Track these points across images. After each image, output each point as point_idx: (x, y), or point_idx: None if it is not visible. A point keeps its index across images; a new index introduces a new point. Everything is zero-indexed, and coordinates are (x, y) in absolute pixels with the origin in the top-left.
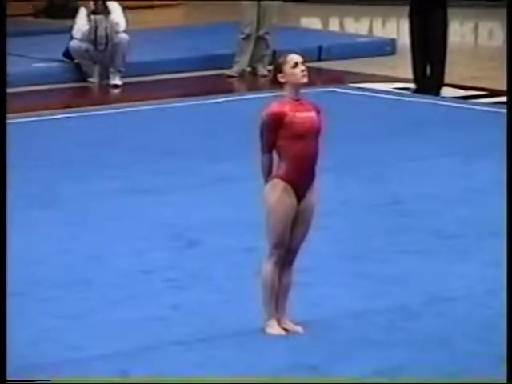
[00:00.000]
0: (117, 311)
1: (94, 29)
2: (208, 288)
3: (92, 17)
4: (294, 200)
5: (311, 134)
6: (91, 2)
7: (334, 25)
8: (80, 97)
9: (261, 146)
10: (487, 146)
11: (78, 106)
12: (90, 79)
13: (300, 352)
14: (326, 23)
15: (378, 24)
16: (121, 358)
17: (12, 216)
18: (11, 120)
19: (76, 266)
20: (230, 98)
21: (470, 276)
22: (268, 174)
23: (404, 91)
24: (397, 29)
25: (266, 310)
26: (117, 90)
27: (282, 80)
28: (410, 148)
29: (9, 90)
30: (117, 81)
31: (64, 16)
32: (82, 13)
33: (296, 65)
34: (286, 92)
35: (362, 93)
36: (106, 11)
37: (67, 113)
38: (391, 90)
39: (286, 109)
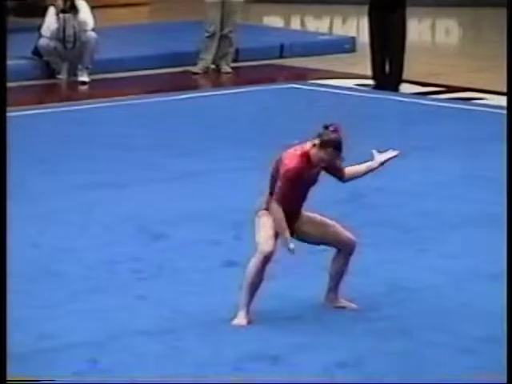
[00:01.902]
0: (85, 302)
1: (63, 27)
2: (173, 279)
3: (61, 15)
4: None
5: (310, 185)
6: (60, 1)
7: (295, 23)
8: (49, 93)
9: (276, 195)
10: (445, 141)
11: (46, 103)
12: (59, 76)
13: (263, 343)
14: (287, 22)
15: (338, 22)
16: (90, 347)
17: None
18: None
19: (44, 258)
20: (194, 95)
21: (431, 267)
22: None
23: (363, 87)
24: (356, 27)
25: (241, 303)
26: (85, 87)
27: (316, 149)
28: (369, 143)
29: None
30: (85, 77)
31: (33, 14)
32: (51, 11)
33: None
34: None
35: (322, 89)
36: (74, 10)
37: (36, 109)
38: (351, 86)
39: (304, 167)
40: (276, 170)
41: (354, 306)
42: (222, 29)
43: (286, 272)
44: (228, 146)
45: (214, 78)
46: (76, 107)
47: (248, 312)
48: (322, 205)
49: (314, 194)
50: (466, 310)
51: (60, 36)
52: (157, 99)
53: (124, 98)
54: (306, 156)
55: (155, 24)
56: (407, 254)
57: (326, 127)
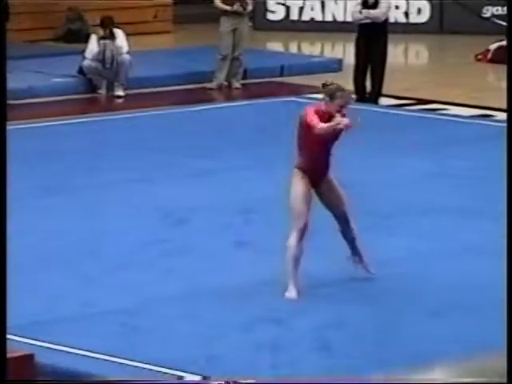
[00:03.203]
0: (119, 275)
1: (103, 51)
2: (193, 257)
3: (101, 41)
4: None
5: (329, 140)
6: (100, 30)
7: (293, 48)
8: (91, 105)
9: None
10: (415, 145)
11: (88, 113)
12: (99, 91)
13: (267, 309)
14: (286, 47)
15: (328, 47)
16: (123, 312)
17: (37, 203)
18: (35, 124)
19: (86, 240)
20: (210, 106)
21: (401, 248)
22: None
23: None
24: (343, 51)
25: (288, 276)
26: (120, 100)
27: (325, 100)
28: (354, 146)
29: (33, 100)
30: (120, 92)
31: (78, 41)
32: (93, 38)
33: (343, 106)
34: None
35: (315, 102)
36: (112, 37)
37: (80, 118)
38: None
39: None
40: (300, 125)
41: (372, 271)
42: (233, 52)
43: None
44: (238, 149)
45: (226, 92)
46: (113, 117)
47: (296, 284)
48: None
49: None
50: (430, 282)
51: (100, 58)
52: (179, 110)
53: (152, 109)
54: (321, 111)
55: (178, 48)
56: (381, 236)
57: (325, 85)
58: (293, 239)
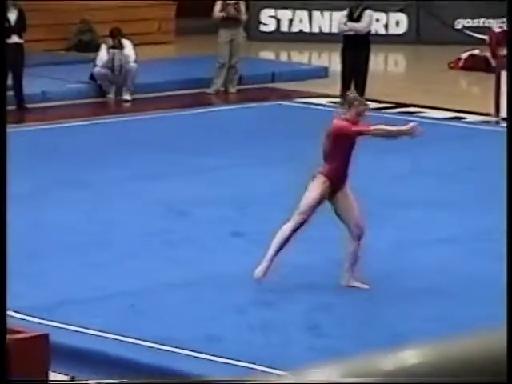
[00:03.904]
0: (126, 262)
1: (112, 59)
2: (194, 246)
3: (110, 51)
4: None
5: (352, 149)
6: (110, 40)
7: (283, 56)
8: (101, 108)
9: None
10: (395, 144)
11: (99, 115)
12: (108, 95)
13: (260, 292)
14: (277, 55)
15: (315, 56)
16: (130, 296)
17: (51, 195)
18: (50, 126)
19: (96, 230)
20: (209, 109)
21: (386, 237)
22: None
23: (334, 104)
24: (328, 60)
25: (266, 258)
26: (128, 104)
27: (344, 108)
28: None
29: (48, 104)
30: (127, 97)
31: (89, 50)
32: (103, 47)
33: (360, 114)
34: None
35: (303, 105)
36: (120, 46)
37: (92, 120)
38: (324, 103)
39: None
40: (328, 136)
41: (365, 286)
42: (229, 61)
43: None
44: (234, 148)
45: (223, 97)
46: (121, 119)
47: (269, 266)
48: (303, 188)
49: (288, 180)
50: (408, 268)
51: (110, 66)
52: (181, 112)
53: (157, 111)
54: (345, 119)
55: (180, 57)
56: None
57: (345, 95)
58: (288, 226)
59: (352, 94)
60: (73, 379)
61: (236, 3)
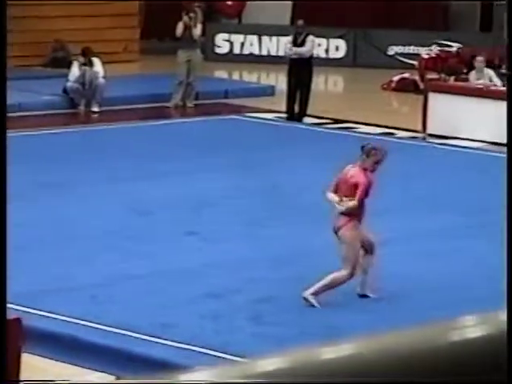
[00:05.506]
0: (93, 256)
1: (83, 75)
2: (153, 242)
3: (82, 67)
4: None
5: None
6: (81, 57)
7: (235, 76)
8: (72, 119)
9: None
10: (332, 153)
11: (70, 125)
12: (79, 107)
13: (211, 284)
14: (230, 74)
15: (263, 76)
16: (92, 287)
17: (25, 195)
18: (26, 133)
19: (65, 226)
20: (168, 121)
21: (326, 234)
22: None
23: (279, 119)
24: (275, 79)
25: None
26: (96, 115)
27: (362, 158)
28: (283, 152)
29: (25, 114)
30: (96, 108)
31: (62, 66)
32: (75, 64)
33: (378, 162)
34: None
35: (253, 119)
36: (91, 64)
37: (64, 128)
38: (271, 117)
39: (369, 178)
40: (342, 181)
41: (374, 296)
42: (187, 78)
43: (225, 239)
44: (191, 155)
45: (181, 110)
46: (90, 128)
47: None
48: (253, 190)
49: (248, 183)
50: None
51: (81, 81)
52: (144, 124)
53: (122, 122)
54: (363, 168)
55: (143, 74)
56: (306, 227)
57: (363, 146)
58: (341, 279)
59: (369, 145)
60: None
61: (195, 17)
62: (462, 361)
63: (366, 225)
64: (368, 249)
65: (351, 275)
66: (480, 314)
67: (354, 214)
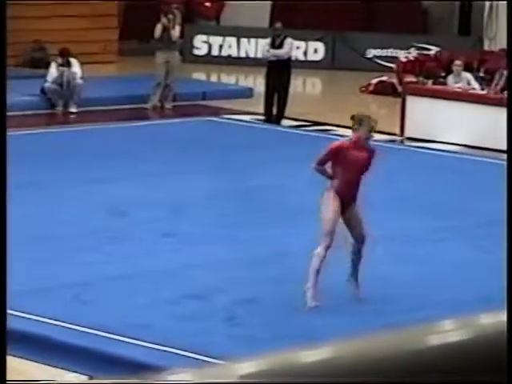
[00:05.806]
0: (71, 256)
1: (61, 76)
2: (131, 243)
3: (60, 68)
4: (339, 206)
5: (357, 168)
6: (59, 58)
7: (213, 77)
8: (50, 119)
9: (319, 160)
10: (309, 155)
11: (49, 125)
12: (57, 108)
13: (189, 286)
14: (208, 76)
15: (241, 78)
16: (74, 286)
17: (15, 195)
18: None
19: (46, 227)
20: (146, 123)
21: (305, 236)
22: (323, 173)
23: (257, 121)
24: (253, 81)
25: (308, 286)
26: (74, 116)
27: (353, 127)
28: (261, 154)
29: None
30: (74, 109)
31: (40, 67)
32: (53, 65)
33: (372, 130)
34: (353, 136)
35: (230, 121)
36: (69, 65)
37: (42, 129)
38: (249, 119)
39: (345, 146)
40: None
41: (360, 293)
42: (165, 80)
43: (206, 241)
44: (170, 157)
45: (160, 112)
46: (68, 129)
47: (316, 293)
48: (231, 194)
49: (225, 187)
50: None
51: (59, 81)
52: (121, 125)
53: (100, 123)
54: (356, 138)
55: (121, 75)
56: (284, 229)
57: (353, 116)
58: (321, 248)
59: (358, 113)
60: None
61: (173, 18)
62: (441, 365)
63: (363, 216)
64: (359, 239)
65: (327, 247)
66: (459, 318)
67: (332, 187)
